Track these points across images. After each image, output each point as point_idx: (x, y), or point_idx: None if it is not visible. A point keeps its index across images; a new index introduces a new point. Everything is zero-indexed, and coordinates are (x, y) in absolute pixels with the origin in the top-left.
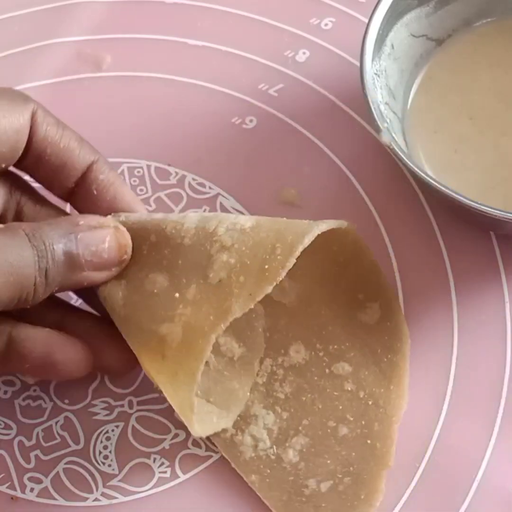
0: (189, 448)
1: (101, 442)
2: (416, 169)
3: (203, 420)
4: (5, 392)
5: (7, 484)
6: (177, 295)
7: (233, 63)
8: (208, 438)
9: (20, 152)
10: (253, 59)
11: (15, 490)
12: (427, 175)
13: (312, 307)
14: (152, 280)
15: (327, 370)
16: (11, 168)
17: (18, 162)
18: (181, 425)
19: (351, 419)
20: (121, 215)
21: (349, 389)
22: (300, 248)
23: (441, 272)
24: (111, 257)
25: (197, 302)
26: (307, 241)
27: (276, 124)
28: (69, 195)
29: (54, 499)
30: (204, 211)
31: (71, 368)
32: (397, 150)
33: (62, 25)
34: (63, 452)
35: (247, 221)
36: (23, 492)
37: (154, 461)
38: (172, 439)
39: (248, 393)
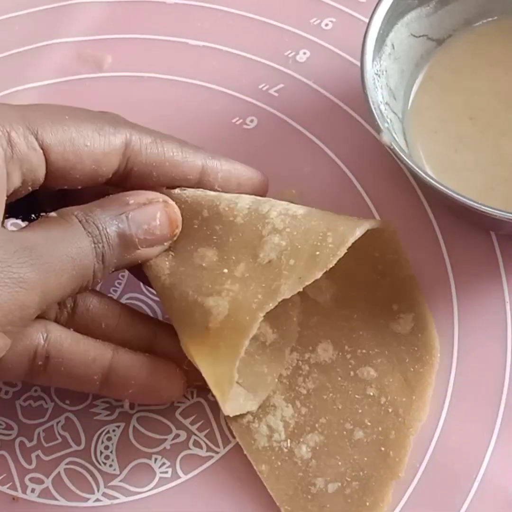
0: (190, 449)
1: (102, 442)
2: (416, 169)
3: (231, 399)
4: (6, 393)
5: (8, 485)
6: (225, 270)
7: (233, 63)
8: (211, 437)
9: (110, 174)
10: (254, 59)
11: (16, 490)
12: (428, 175)
13: (345, 310)
14: (201, 253)
15: (352, 373)
16: None
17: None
18: (182, 426)
19: (369, 424)
20: (175, 189)
21: (371, 394)
22: (351, 240)
23: (442, 272)
24: (164, 233)
25: (245, 280)
26: (358, 233)
27: (277, 124)
28: None
29: (55, 499)
30: None
31: (172, 392)
32: (397, 150)
33: (63, 25)
34: (64, 452)
35: (299, 208)
36: (24, 492)
37: (155, 462)
38: (173, 439)
39: (276, 380)
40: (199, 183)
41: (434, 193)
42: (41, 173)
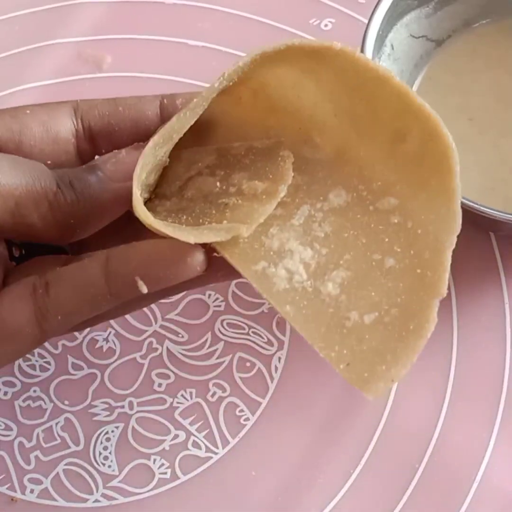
0: (189, 449)
1: (101, 443)
2: None
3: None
4: (5, 393)
5: (7, 485)
6: None
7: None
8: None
9: (70, 136)
10: None
11: (15, 491)
12: None
13: (349, 153)
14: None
15: (371, 207)
16: None
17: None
18: (181, 426)
19: (399, 250)
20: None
21: (396, 221)
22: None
23: None
24: (134, 161)
25: None
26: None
27: None
28: None
29: (54, 500)
30: None
31: (187, 263)
32: None
33: (62, 25)
34: (63, 453)
35: None
36: (23, 493)
37: (154, 462)
38: (172, 440)
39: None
40: (162, 118)
41: None
42: None
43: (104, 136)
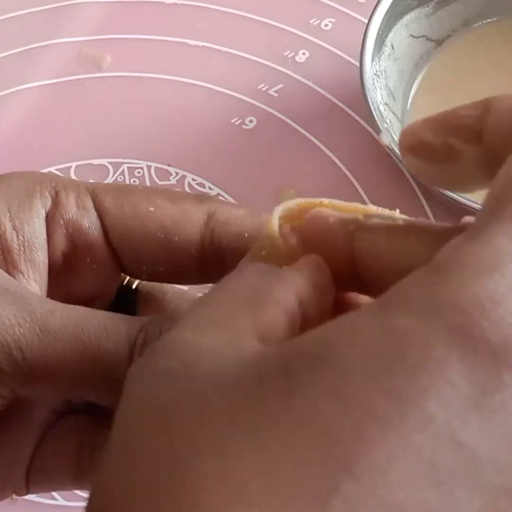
0: None
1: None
2: None
3: None
4: None
5: None
6: None
7: (233, 63)
8: None
9: (192, 249)
10: (253, 60)
11: None
12: None
13: None
14: None
15: None
16: None
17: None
18: None
19: None
20: None
21: None
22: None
23: None
24: None
25: None
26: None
27: (276, 124)
28: None
29: (55, 499)
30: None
31: None
32: (396, 150)
33: (62, 25)
34: None
35: None
36: None
37: None
38: None
39: None
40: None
41: (434, 193)
42: (95, 238)
43: (235, 259)
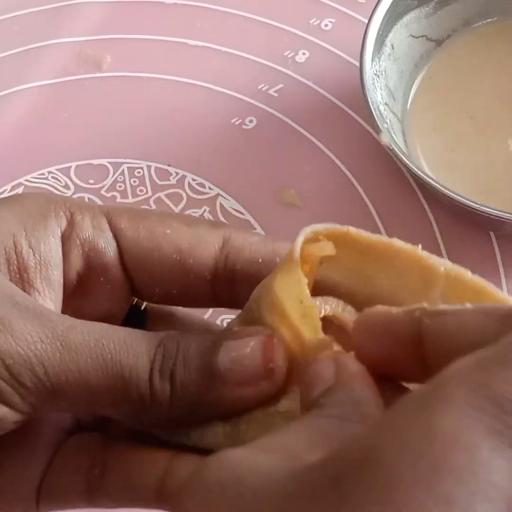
0: None
1: None
2: (415, 169)
3: None
4: None
5: None
6: None
7: (233, 63)
8: None
9: (206, 272)
10: (253, 60)
11: None
12: (427, 176)
13: None
14: None
15: None
16: None
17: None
18: None
19: None
20: None
21: None
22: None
23: None
24: (253, 365)
25: None
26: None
27: (276, 124)
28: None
29: None
30: (204, 211)
31: None
32: (396, 150)
33: (62, 25)
34: None
35: None
36: None
37: None
38: None
39: None
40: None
41: (434, 193)
42: (110, 258)
43: (248, 284)
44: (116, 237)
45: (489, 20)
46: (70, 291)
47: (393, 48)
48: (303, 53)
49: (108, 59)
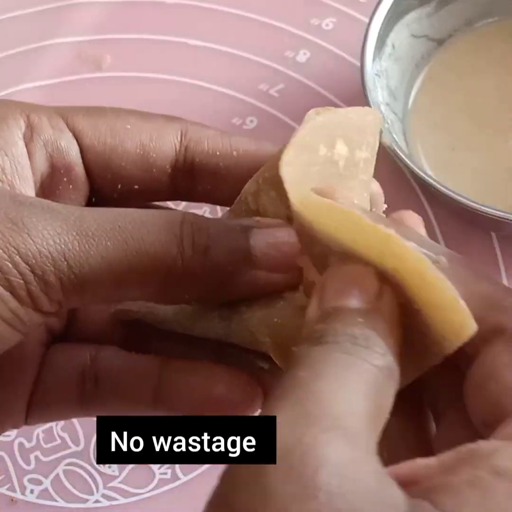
0: None
1: None
2: (416, 169)
3: None
4: None
5: (7, 486)
6: None
7: (233, 63)
8: None
9: (167, 165)
10: (254, 60)
11: (15, 491)
12: (428, 176)
13: None
14: None
15: None
16: None
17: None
18: None
19: None
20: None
21: None
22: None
23: None
24: (291, 253)
25: None
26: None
27: (277, 124)
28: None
29: (54, 500)
30: (204, 212)
31: (240, 401)
32: (397, 150)
33: (62, 25)
34: (63, 453)
35: None
36: (23, 493)
37: None
38: None
39: None
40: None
41: (434, 193)
42: (73, 157)
43: (206, 176)
44: (75, 136)
45: (490, 20)
46: (36, 193)
47: (394, 48)
48: (304, 53)
49: (108, 59)
